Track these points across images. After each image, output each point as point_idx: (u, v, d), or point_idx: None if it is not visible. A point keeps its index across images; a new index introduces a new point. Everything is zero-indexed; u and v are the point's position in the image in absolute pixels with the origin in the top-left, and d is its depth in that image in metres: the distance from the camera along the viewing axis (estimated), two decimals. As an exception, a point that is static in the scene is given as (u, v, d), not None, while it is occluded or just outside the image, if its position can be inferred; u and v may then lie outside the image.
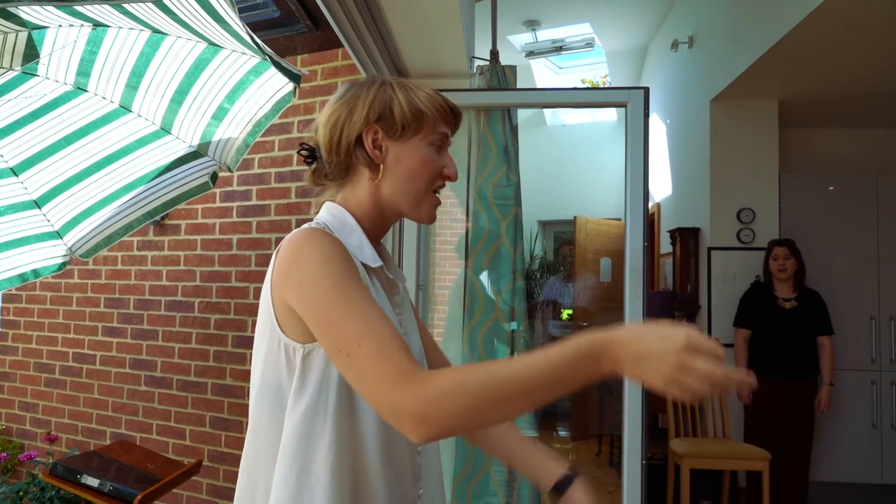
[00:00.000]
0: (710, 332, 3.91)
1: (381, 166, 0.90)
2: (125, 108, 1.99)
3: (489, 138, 2.16)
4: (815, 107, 4.02)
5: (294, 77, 1.61)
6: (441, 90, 0.97)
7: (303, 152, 0.95)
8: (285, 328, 0.83)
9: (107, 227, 2.28)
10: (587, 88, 5.53)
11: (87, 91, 1.91)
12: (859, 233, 3.98)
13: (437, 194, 0.95)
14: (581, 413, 5.42)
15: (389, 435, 0.86)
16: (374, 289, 0.89)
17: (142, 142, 2.08)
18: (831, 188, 4.06)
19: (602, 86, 6.93)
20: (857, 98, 3.81)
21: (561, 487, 0.96)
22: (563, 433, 5.38)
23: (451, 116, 0.94)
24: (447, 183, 0.96)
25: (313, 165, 0.96)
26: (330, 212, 0.92)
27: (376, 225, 0.95)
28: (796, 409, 3.42)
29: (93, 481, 1.98)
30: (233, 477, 2.77)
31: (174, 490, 2.52)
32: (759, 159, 3.96)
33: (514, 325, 2.16)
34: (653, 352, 0.65)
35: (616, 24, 5.36)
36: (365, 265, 0.88)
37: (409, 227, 2.16)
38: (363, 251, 0.89)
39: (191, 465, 2.28)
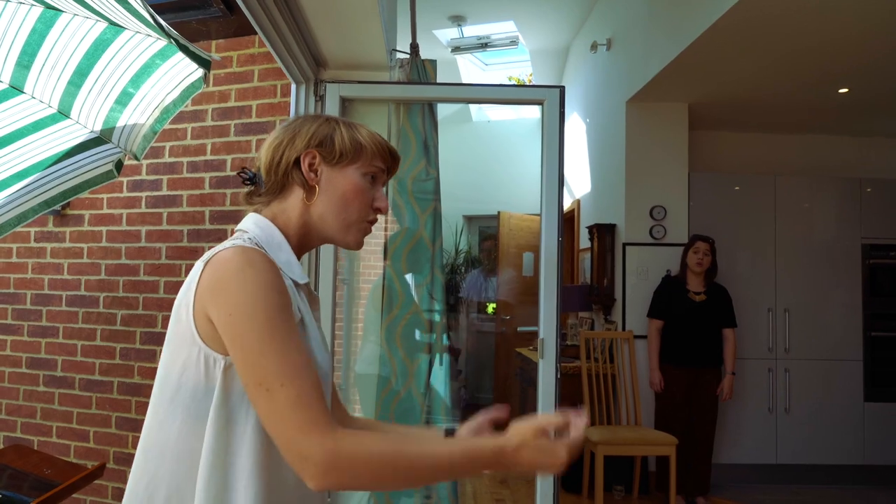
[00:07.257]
0: (624, 323, 4.08)
1: (316, 188, 0.94)
2: (16, 88, 1.85)
3: (409, 132, 2.15)
4: (721, 111, 4.27)
5: (204, 63, 1.54)
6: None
7: (243, 175, 0.98)
8: (206, 339, 0.82)
9: (-3, 217, 2.11)
10: (506, 85, 5.65)
11: (-31, 69, 1.76)
12: (758, 230, 4.26)
13: (369, 223, 1.00)
14: (503, 404, 5.51)
15: None
16: (301, 303, 0.91)
17: (37, 126, 1.94)
18: (735, 188, 4.32)
19: (528, 84, 7.06)
20: (758, 104, 4.08)
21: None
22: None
23: (389, 156, 1.00)
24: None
25: (249, 188, 0.99)
26: (258, 224, 0.94)
27: (301, 242, 0.98)
28: (702, 397, 3.62)
29: (-21, 490, 1.84)
30: (141, 480, 2.65)
31: (76, 495, 2.38)
32: (671, 159, 4.16)
33: (436, 317, 2.16)
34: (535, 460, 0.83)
35: (539, 23, 5.47)
36: (293, 281, 0.91)
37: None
38: (292, 268, 0.92)
39: (92, 469, 2.15)
